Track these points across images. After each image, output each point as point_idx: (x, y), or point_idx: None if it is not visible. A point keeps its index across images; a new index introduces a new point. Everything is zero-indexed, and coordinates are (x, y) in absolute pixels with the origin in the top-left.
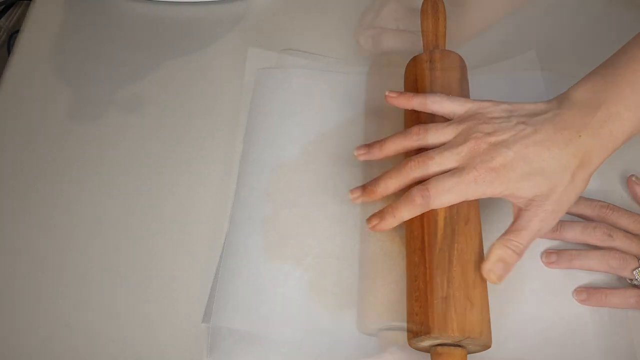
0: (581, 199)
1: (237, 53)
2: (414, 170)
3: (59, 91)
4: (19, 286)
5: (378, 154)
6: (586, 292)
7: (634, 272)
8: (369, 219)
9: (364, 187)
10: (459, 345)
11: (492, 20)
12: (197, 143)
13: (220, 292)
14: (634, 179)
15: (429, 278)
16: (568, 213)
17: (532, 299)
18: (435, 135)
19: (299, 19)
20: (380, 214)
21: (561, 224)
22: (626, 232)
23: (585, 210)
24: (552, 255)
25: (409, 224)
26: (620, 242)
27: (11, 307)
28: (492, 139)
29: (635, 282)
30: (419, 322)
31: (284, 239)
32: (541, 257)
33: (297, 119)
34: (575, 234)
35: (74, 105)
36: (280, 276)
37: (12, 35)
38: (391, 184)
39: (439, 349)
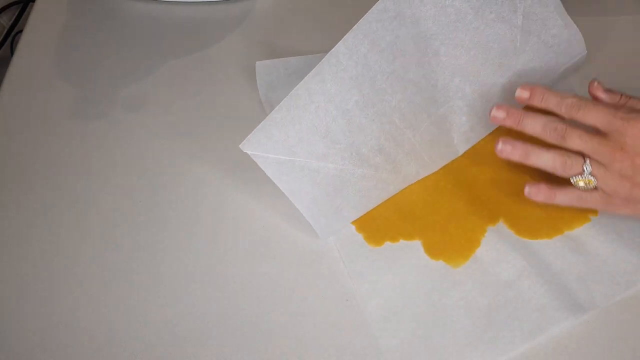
0: (552, 94)
1: (240, 52)
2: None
3: (62, 90)
4: (19, 285)
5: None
6: (536, 187)
7: (573, 178)
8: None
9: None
10: None
11: None
12: (199, 141)
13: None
14: (595, 84)
15: None
16: (536, 107)
17: None
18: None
19: (301, 19)
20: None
21: (524, 115)
22: (591, 127)
23: (555, 107)
24: (507, 145)
25: None
26: (573, 142)
27: (14, 305)
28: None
29: (576, 186)
30: None
31: None
32: (496, 146)
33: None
34: (535, 129)
35: (76, 105)
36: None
37: (15, 35)
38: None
39: None
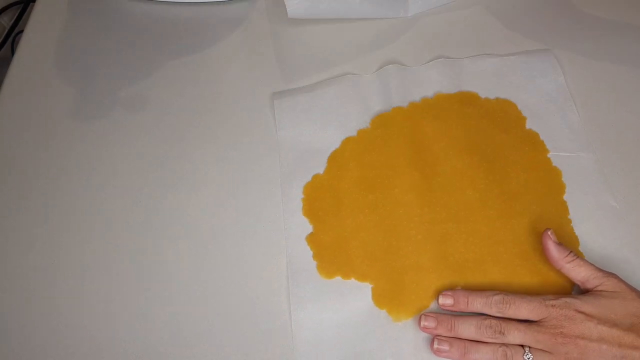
0: (476, 295)
1: (240, 53)
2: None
3: (62, 91)
4: (18, 285)
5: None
6: None
7: None
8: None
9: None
10: None
11: None
12: (198, 142)
13: None
14: (549, 233)
15: None
16: (465, 311)
17: None
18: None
19: (301, 20)
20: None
21: (455, 321)
22: (524, 321)
23: (483, 308)
24: (444, 344)
25: None
26: (512, 337)
27: (14, 305)
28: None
29: None
30: None
31: None
32: (432, 347)
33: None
34: (470, 333)
35: (77, 105)
36: None
37: (16, 35)
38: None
39: None
